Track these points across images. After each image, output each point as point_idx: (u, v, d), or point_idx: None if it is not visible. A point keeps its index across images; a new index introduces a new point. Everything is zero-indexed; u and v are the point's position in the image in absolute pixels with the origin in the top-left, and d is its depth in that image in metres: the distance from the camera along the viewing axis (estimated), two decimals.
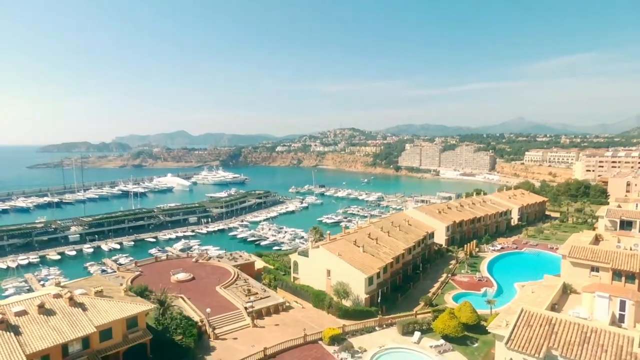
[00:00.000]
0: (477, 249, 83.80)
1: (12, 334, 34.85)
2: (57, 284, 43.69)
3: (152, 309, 44.01)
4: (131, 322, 41.63)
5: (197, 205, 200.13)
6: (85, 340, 37.80)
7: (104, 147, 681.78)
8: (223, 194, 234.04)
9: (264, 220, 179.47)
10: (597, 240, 52.98)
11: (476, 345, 45.52)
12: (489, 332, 47.59)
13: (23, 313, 37.81)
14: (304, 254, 64.86)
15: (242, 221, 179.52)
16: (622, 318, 31.51)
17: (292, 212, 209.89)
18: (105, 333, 39.38)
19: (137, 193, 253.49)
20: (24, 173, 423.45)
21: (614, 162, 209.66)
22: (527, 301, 34.88)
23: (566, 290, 38.72)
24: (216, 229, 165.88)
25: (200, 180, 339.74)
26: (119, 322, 40.29)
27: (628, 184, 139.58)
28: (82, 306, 40.30)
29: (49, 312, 38.50)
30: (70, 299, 40.31)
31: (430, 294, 61.27)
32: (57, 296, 40.96)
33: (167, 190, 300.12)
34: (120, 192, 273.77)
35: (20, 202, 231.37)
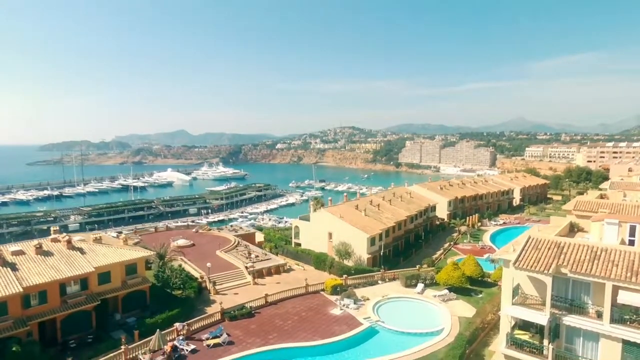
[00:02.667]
0: (479, 224, 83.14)
1: (8, 269, 34.22)
2: (55, 232, 42.94)
3: (151, 256, 43.31)
4: (130, 269, 40.96)
5: (197, 196, 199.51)
6: (84, 281, 37.12)
7: (104, 146, 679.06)
8: (223, 188, 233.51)
9: (265, 211, 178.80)
10: (602, 198, 52.29)
11: (480, 296, 44.84)
12: (493, 286, 47.51)
13: (20, 253, 37.23)
14: (306, 218, 64.23)
15: (242, 212, 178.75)
16: (632, 244, 30.78)
17: (292, 204, 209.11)
18: (103, 276, 38.69)
19: (137, 187, 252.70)
20: (24, 170, 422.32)
21: (615, 152, 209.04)
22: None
23: (573, 229, 38.04)
24: (216, 219, 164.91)
25: (200, 175, 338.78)
26: (118, 266, 39.61)
27: (630, 170, 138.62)
28: (80, 250, 39.69)
29: (47, 253, 37.90)
30: (68, 242, 39.76)
31: (433, 258, 60.52)
32: (55, 240, 40.43)
33: (167, 184, 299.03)
34: (120, 187, 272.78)
35: (20, 195, 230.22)
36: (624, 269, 25.68)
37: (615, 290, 25.30)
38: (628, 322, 25.38)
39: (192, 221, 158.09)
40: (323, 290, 45.74)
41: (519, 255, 28.82)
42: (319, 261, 56.70)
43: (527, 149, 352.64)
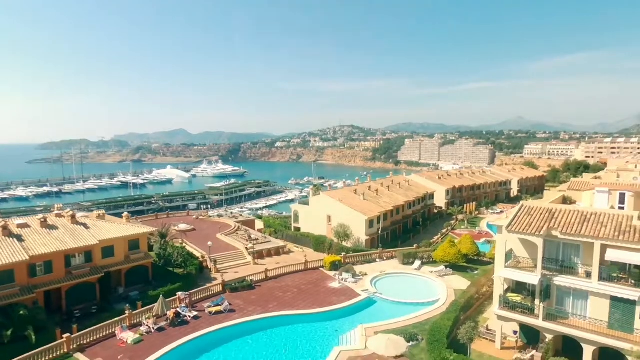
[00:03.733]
0: (476, 212, 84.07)
1: (15, 239, 35.09)
2: (59, 208, 43.73)
3: (153, 233, 44.16)
4: (133, 244, 41.75)
5: (196, 192, 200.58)
6: (88, 254, 37.94)
7: (103, 145, 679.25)
8: (222, 184, 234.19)
9: (264, 207, 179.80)
10: (596, 179, 53.25)
11: (476, 272, 45.66)
12: (489, 264, 48.35)
13: (25, 225, 38.05)
14: (305, 203, 65.08)
15: (241, 208, 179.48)
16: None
17: (292, 200, 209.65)
18: (107, 250, 39.52)
19: (136, 184, 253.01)
20: (23, 168, 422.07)
21: (613, 147, 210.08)
22: None
23: (566, 202, 38.87)
24: (216, 214, 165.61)
25: (199, 173, 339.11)
26: (121, 240, 40.43)
27: (627, 162, 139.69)
28: (84, 225, 40.51)
29: (52, 227, 38.74)
30: (73, 217, 40.61)
31: (430, 242, 61.32)
32: (59, 215, 41.24)
33: (167, 181, 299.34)
34: (120, 183, 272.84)
35: (20, 192, 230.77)
36: (612, 229, 26.62)
37: (604, 249, 26.22)
38: (615, 280, 26.33)
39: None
40: (322, 267, 46.65)
41: (512, 220, 29.77)
42: (318, 243, 57.53)
43: (525, 146, 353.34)
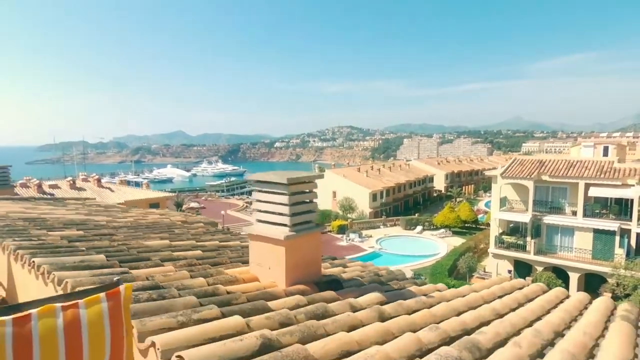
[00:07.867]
0: (474, 195, 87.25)
1: (48, 195, 38.02)
2: (85, 180, 46.67)
3: (172, 197, 47.12)
4: (154, 207, 44.77)
5: (197, 189, 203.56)
6: None
7: (102, 146, 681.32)
8: (223, 182, 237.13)
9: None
10: None
11: (475, 235, 48.74)
12: (486, 229, 51.46)
13: (56, 187, 41.04)
14: None
15: None
16: None
17: None
18: None
19: (138, 182, 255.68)
20: (23, 168, 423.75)
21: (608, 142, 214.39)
22: None
23: None
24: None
25: (199, 172, 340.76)
26: (143, 202, 43.07)
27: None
28: (109, 189, 43.53)
29: (80, 189, 41.69)
30: (98, 180, 43.61)
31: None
32: (85, 180, 44.25)
33: (167, 180, 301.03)
34: (120, 182, 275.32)
35: None
36: (595, 170, 29.82)
37: (587, 188, 29.38)
38: (598, 215, 29.48)
39: None
40: (330, 231, 49.64)
41: (506, 169, 33.00)
42: (323, 217, 60.23)
43: (523, 144, 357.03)
